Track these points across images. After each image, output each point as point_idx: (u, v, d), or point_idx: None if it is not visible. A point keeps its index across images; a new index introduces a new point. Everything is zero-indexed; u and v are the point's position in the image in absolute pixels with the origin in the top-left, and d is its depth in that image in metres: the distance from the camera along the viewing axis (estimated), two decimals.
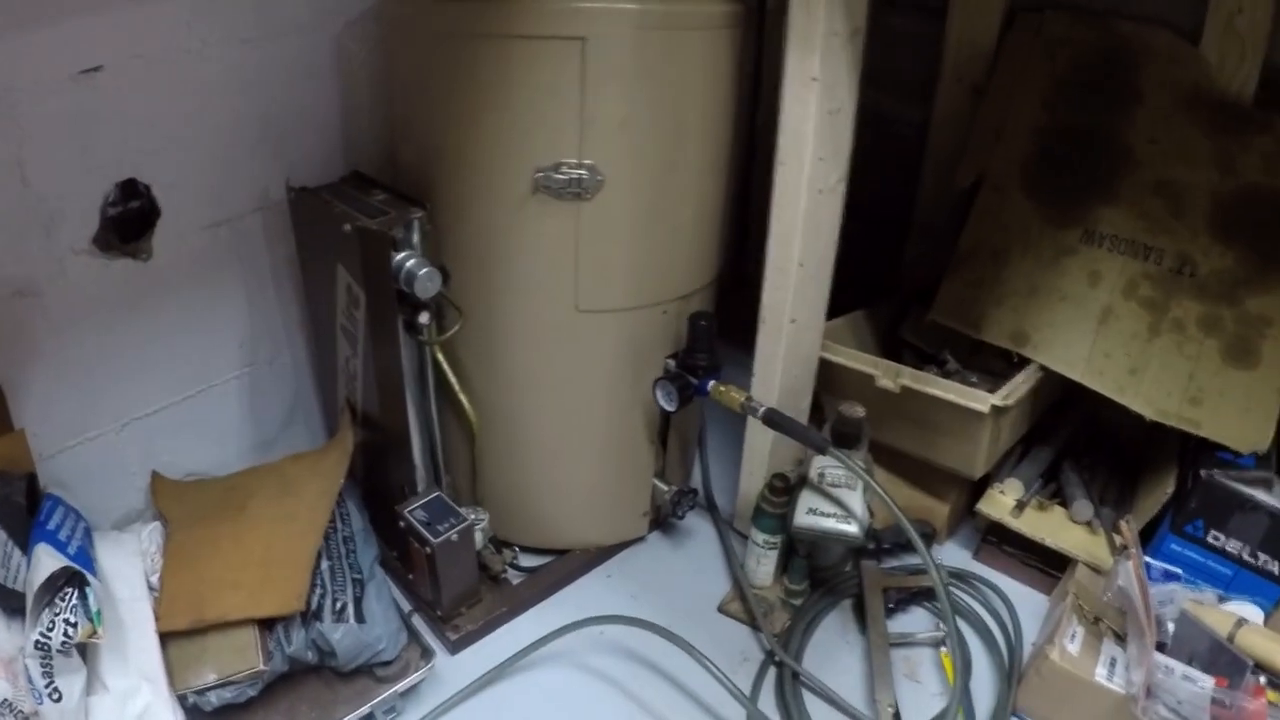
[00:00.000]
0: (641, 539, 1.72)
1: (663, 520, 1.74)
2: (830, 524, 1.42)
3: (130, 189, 1.41)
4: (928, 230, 1.93)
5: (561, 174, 1.29)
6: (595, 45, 1.23)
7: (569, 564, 1.63)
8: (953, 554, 1.73)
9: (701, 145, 1.39)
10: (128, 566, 1.40)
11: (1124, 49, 1.63)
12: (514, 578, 1.60)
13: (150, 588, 1.39)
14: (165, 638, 1.32)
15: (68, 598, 1.20)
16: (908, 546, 1.61)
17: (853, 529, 1.41)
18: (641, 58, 1.26)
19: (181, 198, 1.45)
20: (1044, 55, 1.71)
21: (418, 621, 1.51)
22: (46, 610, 1.19)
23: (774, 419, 1.39)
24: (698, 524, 1.77)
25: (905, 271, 1.99)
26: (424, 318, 1.35)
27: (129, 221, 1.42)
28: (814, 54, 1.27)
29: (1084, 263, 1.63)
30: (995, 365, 1.72)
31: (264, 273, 1.60)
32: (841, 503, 1.43)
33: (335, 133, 1.59)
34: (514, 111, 1.28)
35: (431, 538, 1.39)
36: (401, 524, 1.43)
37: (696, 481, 1.83)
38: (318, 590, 1.36)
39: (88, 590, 1.23)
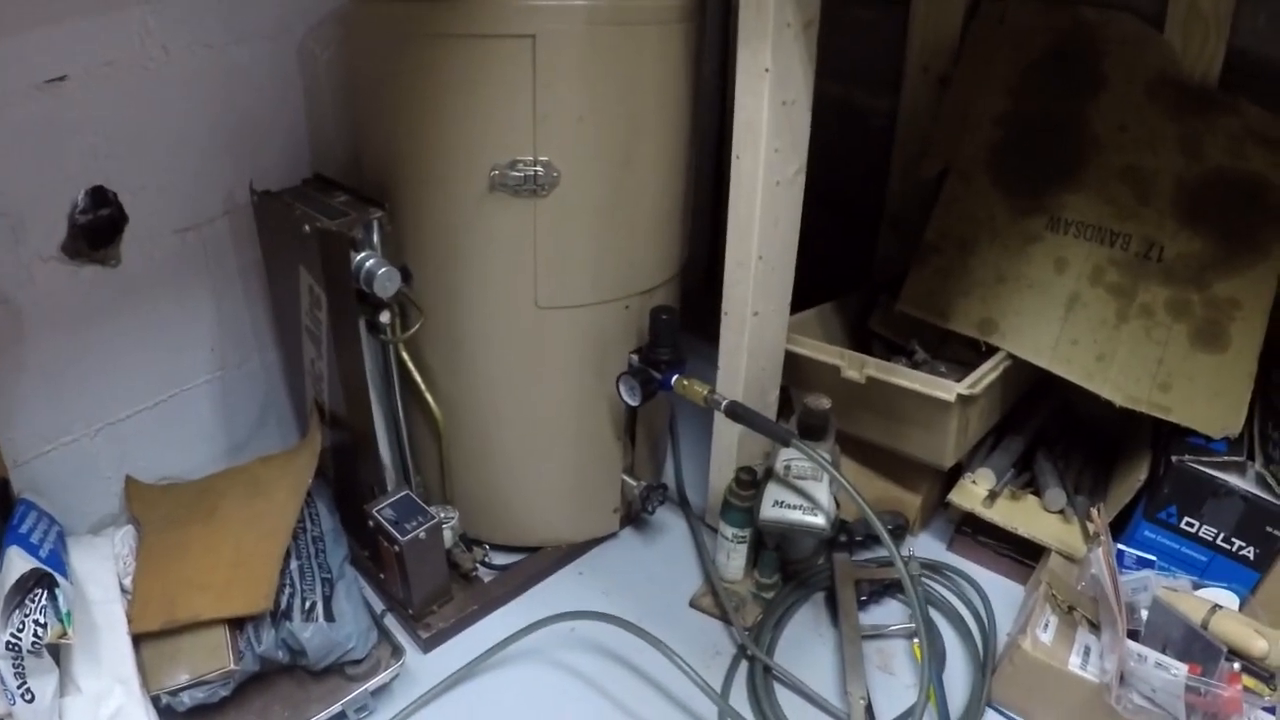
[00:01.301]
0: (613, 535, 1.73)
1: (634, 516, 1.75)
2: (796, 516, 1.43)
3: (98, 196, 1.43)
4: (899, 221, 1.94)
5: (517, 171, 1.31)
6: (545, 42, 1.25)
7: (540, 561, 1.64)
8: (927, 545, 1.73)
9: (658, 140, 1.40)
10: (101, 569, 1.43)
11: (1087, 35, 1.64)
12: (485, 575, 1.61)
13: (123, 590, 1.41)
14: (138, 639, 1.34)
15: (37, 599, 1.22)
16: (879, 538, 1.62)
17: (819, 521, 1.42)
18: (593, 53, 1.28)
19: (149, 204, 1.47)
20: (1008, 43, 1.72)
21: (390, 621, 1.52)
22: (17, 611, 1.21)
23: (737, 412, 1.40)
24: (669, 519, 1.79)
25: (878, 263, 2.00)
26: (385, 317, 1.37)
27: (97, 228, 1.44)
28: (765, 45, 1.29)
29: (1050, 250, 1.64)
30: (964, 355, 1.73)
31: (232, 277, 1.62)
32: (808, 494, 1.43)
33: (301, 136, 1.61)
34: (468, 110, 1.30)
35: (399, 536, 1.41)
36: (370, 523, 1.45)
37: (668, 476, 1.84)
38: (287, 590, 1.38)
39: (57, 591, 1.25)
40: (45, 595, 1.24)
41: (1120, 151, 1.60)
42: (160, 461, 1.63)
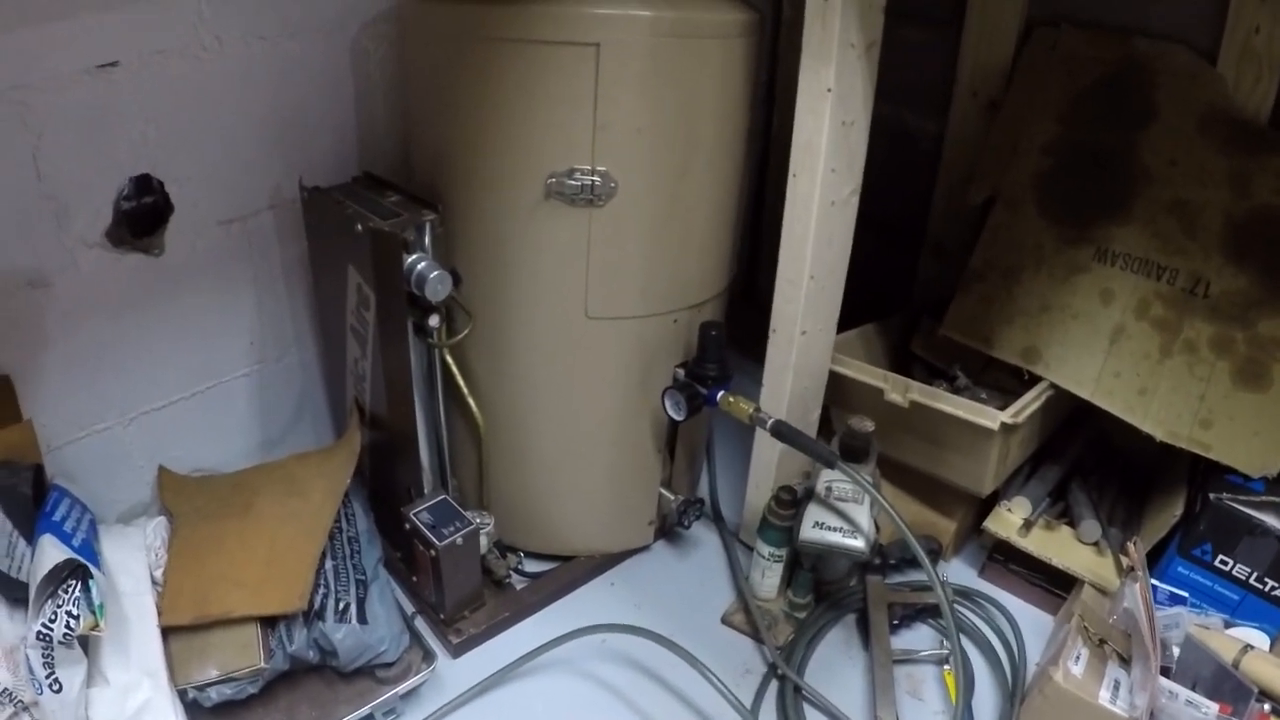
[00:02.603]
0: (646, 547, 1.72)
1: (668, 529, 1.73)
2: (836, 538, 1.41)
3: (144, 184, 1.42)
4: (941, 244, 1.92)
5: (574, 180, 1.29)
6: (610, 51, 1.23)
7: (573, 570, 1.63)
8: (958, 571, 1.72)
9: (714, 153, 1.39)
10: (132, 560, 1.41)
11: (1141, 67, 1.63)
12: (518, 582, 1.60)
13: (154, 582, 1.40)
14: (167, 632, 1.33)
15: (70, 589, 1.21)
16: (913, 562, 1.60)
17: (858, 544, 1.41)
18: (655, 64, 1.27)
19: (195, 194, 1.46)
20: (1060, 71, 1.71)
21: (420, 624, 1.51)
22: (49, 601, 1.19)
23: (782, 431, 1.39)
24: (703, 534, 1.77)
25: (918, 285, 1.98)
26: (434, 321, 1.35)
27: (142, 216, 1.43)
28: (829, 66, 1.27)
29: (1096, 281, 1.63)
30: (1006, 382, 1.72)
31: (275, 271, 1.60)
32: (848, 517, 1.42)
33: (350, 133, 1.59)
34: (527, 116, 1.29)
35: (436, 541, 1.39)
36: (407, 526, 1.43)
37: (703, 491, 1.83)
38: (321, 590, 1.36)
39: (91, 583, 1.23)
40: (79, 586, 1.22)
41: (1169, 185, 1.59)
42: (194, 453, 1.61)
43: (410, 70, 1.46)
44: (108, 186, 1.38)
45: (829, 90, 1.29)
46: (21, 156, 1.27)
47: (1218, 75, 1.56)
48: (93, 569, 1.24)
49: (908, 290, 2.01)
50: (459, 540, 1.40)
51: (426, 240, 1.34)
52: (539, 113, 1.28)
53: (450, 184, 1.39)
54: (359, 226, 1.29)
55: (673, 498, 1.61)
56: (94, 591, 1.23)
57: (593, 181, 1.29)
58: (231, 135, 1.47)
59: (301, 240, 1.57)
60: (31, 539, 1.28)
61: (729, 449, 1.86)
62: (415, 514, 1.43)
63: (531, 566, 1.64)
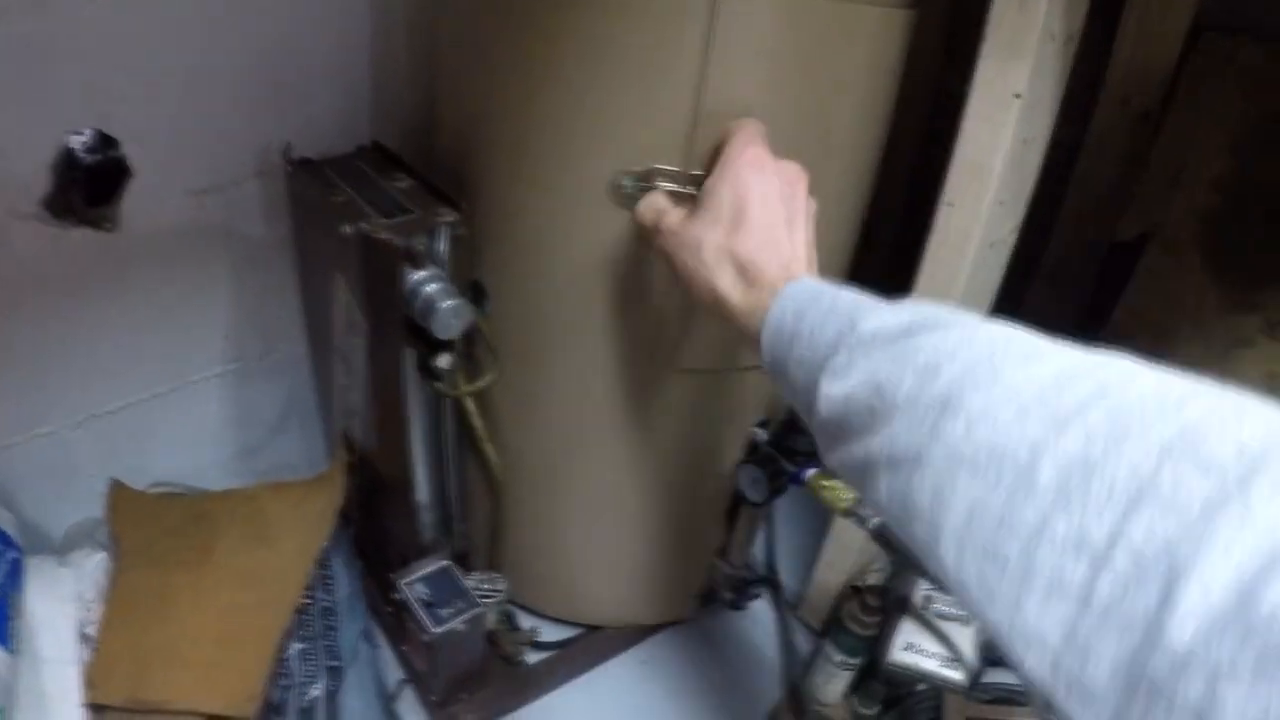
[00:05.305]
0: (687, 620, 1.24)
1: (714, 600, 1.22)
2: (932, 666, 0.98)
3: (95, 142, 0.94)
4: (1057, 275, 1.42)
5: (657, 186, 0.80)
6: (730, 9, 0.74)
7: (598, 643, 1.17)
8: None
9: (848, 158, 0.89)
10: (60, 615, 0.98)
11: None
12: (531, 655, 1.14)
13: (83, 639, 0.97)
14: (95, 709, 0.91)
15: None
16: (994, 663, 1.17)
17: (958, 676, 0.97)
18: (790, 35, 0.77)
19: (159, 156, 0.98)
20: (1236, 90, 1.20)
21: (408, 695, 1.08)
22: None
23: (887, 537, 0.93)
24: (753, 604, 1.25)
25: (1025, 319, 1.49)
26: (444, 361, 0.85)
27: (90, 181, 0.96)
28: (1023, 63, 0.79)
29: (1262, 359, 1.15)
30: None
31: (260, 252, 1.12)
32: (949, 640, 0.99)
33: (362, 89, 1.10)
34: (603, 93, 0.79)
35: (431, 626, 0.95)
36: (397, 597, 0.99)
37: (757, 548, 1.33)
38: (283, 681, 0.94)
39: None
40: None
41: None
42: (155, 462, 1.16)
43: (445, 17, 0.93)
44: (47, 144, 0.91)
45: (1017, 96, 0.80)
46: None
47: None
48: None
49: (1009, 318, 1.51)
50: (459, 626, 0.95)
51: (441, 250, 0.85)
52: (619, 89, 0.78)
53: (485, 172, 0.89)
54: (347, 227, 0.81)
55: (728, 571, 1.14)
56: None
57: (686, 191, 0.80)
58: (209, 84, 0.98)
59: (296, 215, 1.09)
60: None
61: (789, 502, 1.37)
62: (408, 583, 0.98)
63: (549, 632, 1.17)
